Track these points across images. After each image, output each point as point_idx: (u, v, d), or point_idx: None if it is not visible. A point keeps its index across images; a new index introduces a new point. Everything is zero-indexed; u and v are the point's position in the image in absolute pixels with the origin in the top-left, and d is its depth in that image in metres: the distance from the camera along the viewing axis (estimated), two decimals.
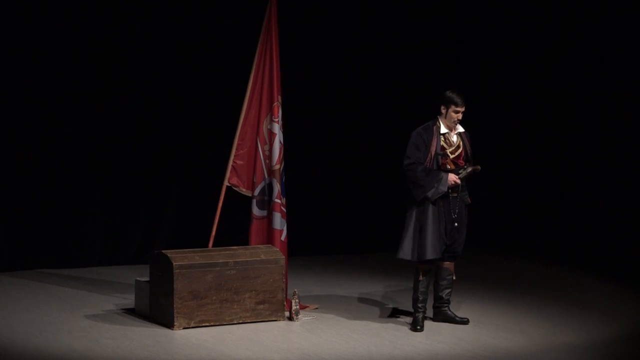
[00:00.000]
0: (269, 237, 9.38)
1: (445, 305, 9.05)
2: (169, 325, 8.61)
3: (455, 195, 8.81)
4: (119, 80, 11.45)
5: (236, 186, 9.44)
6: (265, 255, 9.06)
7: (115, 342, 8.13)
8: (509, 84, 13.66)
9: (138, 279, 9.19)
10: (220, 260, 8.82)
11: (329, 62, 12.48)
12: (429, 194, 8.69)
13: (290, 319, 9.03)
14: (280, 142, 9.41)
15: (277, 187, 9.37)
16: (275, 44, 9.42)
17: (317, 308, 9.48)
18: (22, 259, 11.05)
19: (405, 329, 8.77)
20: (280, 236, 9.37)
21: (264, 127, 9.45)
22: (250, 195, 9.45)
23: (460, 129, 8.92)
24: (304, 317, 9.11)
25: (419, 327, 8.74)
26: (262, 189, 9.41)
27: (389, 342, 8.36)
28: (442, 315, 9.04)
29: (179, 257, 8.71)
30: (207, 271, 8.73)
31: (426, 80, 13.11)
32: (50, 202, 11.16)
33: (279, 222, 9.37)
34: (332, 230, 12.52)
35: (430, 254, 8.71)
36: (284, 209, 9.40)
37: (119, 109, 11.48)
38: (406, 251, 8.79)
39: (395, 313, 9.33)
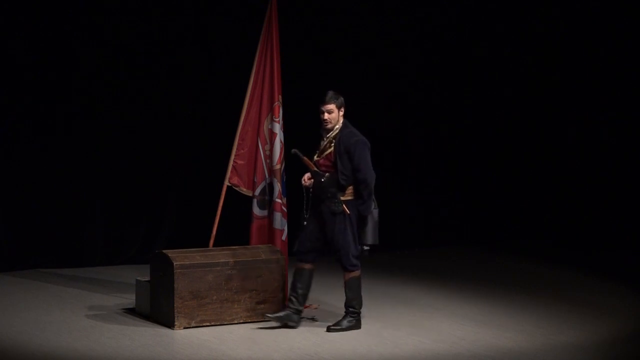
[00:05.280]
0: (269, 236, 9.38)
1: (292, 305, 8.74)
2: (170, 325, 8.61)
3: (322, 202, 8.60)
4: (118, 80, 11.45)
5: (237, 186, 9.44)
6: (266, 255, 9.07)
7: (116, 342, 8.13)
8: (508, 84, 13.68)
9: (139, 278, 9.19)
10: (221, 260, 8.82)
11: (329, 61, 12.49)
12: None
13: None
14: (281, 141, 9.42)
15: (277, 187, 9.37)
16: (275, 43, 9.42)
17: (317, 308, 9.49)
18: (22, 259, 11.05)
19: (406, 329, 8.77)
20: (281, 236, 9.37)
21: (265, 127, 9.45)
22: (250, 195, 9.45)
23: (331, 133, 8.59)
24: (304, 317, 9.11)
25: (276, 318, 8.63)
26: (263, 189, 9.41)
27: (389, 341, 8.36)
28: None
29: (179, 257, 8.71)
30: (207, 271, 8.73)
31: (426, 80, 13.13)
32: (50, 202, 11.16)
33: (279, 222, 9.37)
34: None
35: (295, 246, 8.74)
36: (284, 209, 9.40)
37: (119, 108, 11.48)
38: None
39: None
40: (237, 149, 9.41)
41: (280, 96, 9.45)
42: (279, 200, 9.38)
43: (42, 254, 11.15)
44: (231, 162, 9.41)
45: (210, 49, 11.86)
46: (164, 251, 8.86)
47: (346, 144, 8.54)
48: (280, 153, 9.41)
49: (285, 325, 8.69)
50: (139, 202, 11.64)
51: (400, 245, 12.88)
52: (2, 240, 11.00)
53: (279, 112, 9.43)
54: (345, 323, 8.71)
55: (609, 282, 11.00)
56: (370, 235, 8.68)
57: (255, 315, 8.89)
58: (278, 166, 9.41)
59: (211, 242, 9.35)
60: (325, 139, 8.64)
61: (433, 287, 10.58)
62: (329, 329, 8.64)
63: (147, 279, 9.03)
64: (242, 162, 9.42)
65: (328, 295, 10.07)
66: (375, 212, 8.67)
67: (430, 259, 12.44)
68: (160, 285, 8.76)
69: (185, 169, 11.76)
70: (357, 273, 8.72)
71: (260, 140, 9.44)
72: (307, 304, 9.42)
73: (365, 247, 8.72)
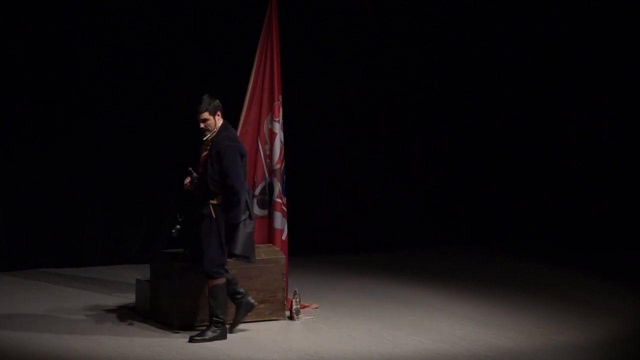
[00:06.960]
0: (269, 236, 9.38)
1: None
2: (170, 325, 8.61)
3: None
4: (118, 81, 11.45)
5: None
6: (266, 254, 9.06)
7: (116, 342, 8.13)
8: (508, 84, 13.67)
9: (139, 278, 9.20)
10: None
11: (329, 61, 12.48)
12: None
13: (290, 318, 9.04)
14: (281, 141, 9.42)
15: (277, 187, 9.38)
16: (275, 43, 9.42)
17: (317, 307, 9.49)
18: (22, 259, 11.05)
19: (406, 329, 8.76)
20: (281, 235, 9.37)
21: (265, 127, 9.45)
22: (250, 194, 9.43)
23: (209, 136, 8.50)
24: (304, 317, 9.11)
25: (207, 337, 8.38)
26: (263, 189, 9.41)
27: (389, 341, 8.36)
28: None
29: (179, 257, 8.71)
30: None
31: (425, 80, 13.12)
32: (50, 202, 11.16)
33: (279, 222, 9.37)
34: (332, 230, 12.51)
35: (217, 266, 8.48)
36: (284, 209, 9.40)
37: (119, 108, 11.48)
38: None
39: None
40: None
41: (280, 96, 9.45)
42: (279, 200, 9.38)
43: (42, 254, 11.15)
44: None
45: (210, 49, 11.85)
46: (164, 251, 8.86)
47: (218, 148, 8.41)
48: (280, 153, 9.41)
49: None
50: (139, 202, 11.62)
51: (400, 245, 12.87)
52: (2, 240, 11.00)
53: (279, 112, 9.43)
54: (209, 333, 8.35)
55: (609, 282, 11.00)
56: (240, 246, 8.42)
57: (255, 315, 8.89)
58: (278, 166, 9.41)
59: None
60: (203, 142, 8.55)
61: (433, 287, 10.57)
62: (191, 340, 8.29)
63: (147, 279, 9.03)
64: None
65: (328, 295, 10.07)
66: (248, 223, 8.46)
67: (430, 259, 12.42)
68: (160, 285, 8.76)
69: (185, 169, 11.73)
70: (221, 281, 8.38)
71: (260, 140, 9.43)
72: (307, 304, 9.43)
73: (232, 258, 8.49)
